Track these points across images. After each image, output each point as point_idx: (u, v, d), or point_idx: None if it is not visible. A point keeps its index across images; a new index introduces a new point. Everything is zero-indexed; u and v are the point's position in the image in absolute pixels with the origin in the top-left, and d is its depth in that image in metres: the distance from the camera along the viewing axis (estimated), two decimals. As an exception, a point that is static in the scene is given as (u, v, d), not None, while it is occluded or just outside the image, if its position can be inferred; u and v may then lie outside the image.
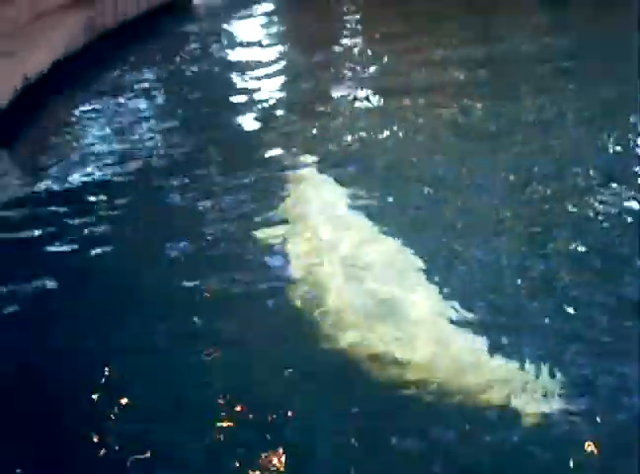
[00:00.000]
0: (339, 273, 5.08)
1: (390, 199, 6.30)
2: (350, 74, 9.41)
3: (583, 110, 7.87)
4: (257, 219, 5.99)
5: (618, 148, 6.79)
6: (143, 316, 4.95)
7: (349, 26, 11.70)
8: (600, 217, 5.68)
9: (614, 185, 6.11)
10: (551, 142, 7.12)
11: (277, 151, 7.36)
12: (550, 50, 10.06)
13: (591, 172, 6.39)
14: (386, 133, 7.54)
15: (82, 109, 9.37)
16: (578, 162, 6.60)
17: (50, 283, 5.40)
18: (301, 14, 13.02)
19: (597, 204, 5.85)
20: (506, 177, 6.54)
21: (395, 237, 5.57)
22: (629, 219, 5.62)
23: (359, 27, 11.59)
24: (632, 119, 7.48)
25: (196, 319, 4.80)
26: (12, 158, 8.28)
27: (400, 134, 7.55)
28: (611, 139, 6.93)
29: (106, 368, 4.37)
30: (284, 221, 5.95)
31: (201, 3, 13.86)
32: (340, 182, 6.54)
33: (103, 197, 6.77)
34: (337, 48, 10.52)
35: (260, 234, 5.77)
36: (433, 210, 6.14)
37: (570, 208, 5.86)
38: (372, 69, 9.58)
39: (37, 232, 6.23)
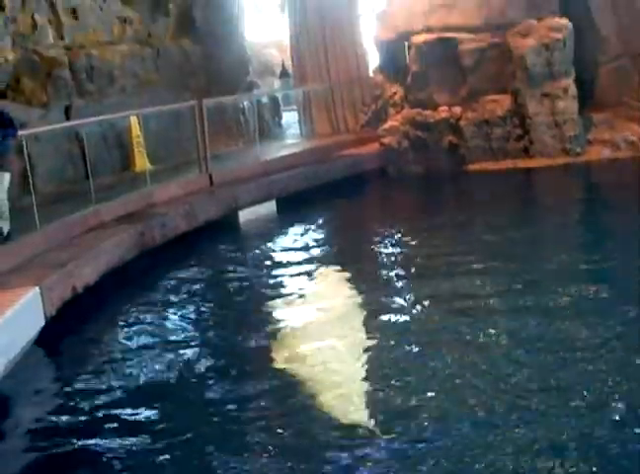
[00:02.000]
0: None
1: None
2: (388, 306, 8.91)
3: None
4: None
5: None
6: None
7: (397, 252, 11.46)
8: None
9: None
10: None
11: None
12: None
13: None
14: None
15: (125, 320, 9.47)
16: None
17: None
18: (350, 236, 13.06)
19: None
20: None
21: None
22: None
23: (409, 254, 11.27)
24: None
25: None
26: (55, 365, 8.40)
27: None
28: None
29: None
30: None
31: (249, 221, 14.12)
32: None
33: (136, 410, 6.76)
34: (381, 281, 10.06)
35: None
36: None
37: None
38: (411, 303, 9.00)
39: (68, 444, 6.24)
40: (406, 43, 18.55)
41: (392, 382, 6.75)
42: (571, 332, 7.46)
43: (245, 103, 19.95)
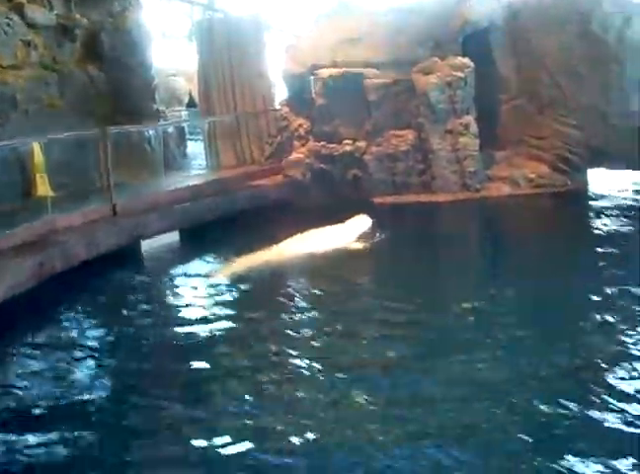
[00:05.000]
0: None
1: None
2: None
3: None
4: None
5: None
6: None
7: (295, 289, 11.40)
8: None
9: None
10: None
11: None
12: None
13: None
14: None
15: (20, 352, 9.27)
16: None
17: None
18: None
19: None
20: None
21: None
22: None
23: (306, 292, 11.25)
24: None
25: None
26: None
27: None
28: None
29: None
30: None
31: (151, 250, 14.03)
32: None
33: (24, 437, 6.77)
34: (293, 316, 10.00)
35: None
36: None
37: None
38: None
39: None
40: (312, 77, 18.81)
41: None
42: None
43: (151, 132, 19.82)
